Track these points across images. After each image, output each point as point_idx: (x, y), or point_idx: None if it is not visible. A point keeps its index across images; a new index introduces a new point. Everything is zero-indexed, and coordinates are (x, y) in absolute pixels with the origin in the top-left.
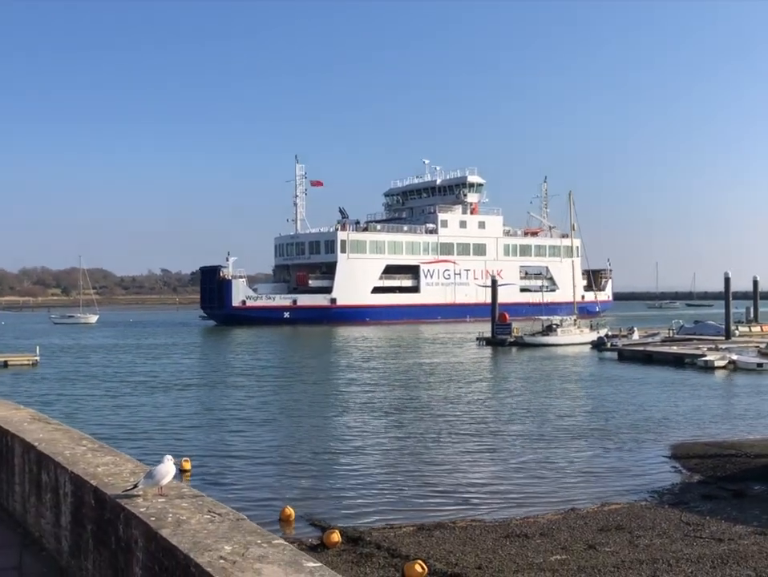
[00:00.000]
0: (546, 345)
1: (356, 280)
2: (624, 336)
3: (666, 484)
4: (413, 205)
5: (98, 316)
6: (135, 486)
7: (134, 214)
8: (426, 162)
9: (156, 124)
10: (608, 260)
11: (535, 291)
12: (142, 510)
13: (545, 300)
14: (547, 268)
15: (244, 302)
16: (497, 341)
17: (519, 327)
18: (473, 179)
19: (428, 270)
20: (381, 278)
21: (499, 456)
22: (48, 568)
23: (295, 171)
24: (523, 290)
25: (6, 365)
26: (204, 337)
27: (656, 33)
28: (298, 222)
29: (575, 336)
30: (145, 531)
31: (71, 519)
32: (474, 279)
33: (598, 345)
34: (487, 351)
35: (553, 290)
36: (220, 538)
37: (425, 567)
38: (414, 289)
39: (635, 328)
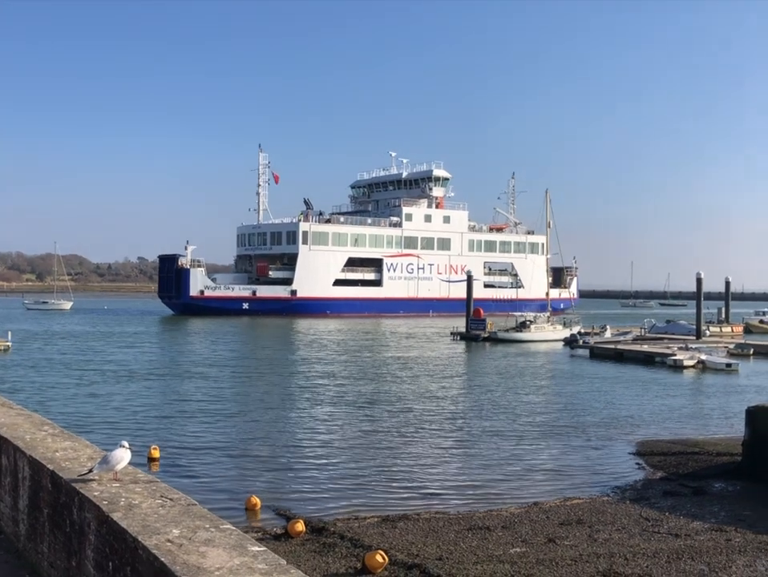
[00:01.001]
0: (519, 341)
1: (317, 272)
2: (596, 333)
3: (629, 480)
4: (378, 198)
5: (72, 303)
6: (91, 470)
7: (111, 201)
8: (393, 154)
9: (133, 112)
10: (574, 257)
11: (499, 287)
12: (96, 494)
13: (511, 297)
14: (512, 264)
15: (202, 292)
16: (471, 336)
17: (493, 322)
18: (439, 173)
19: (391, 264)
20: (343, 271)
21: (467, 451)
22: (5, 551)
23: (258, 160)
24: (486, 286)
25: None
26: (162, 326)
27: (631, 21)
28: (261, 212)
29: (548, 333)
30: (97, 515)
31: (29, 503)
32: (438, 274)
33: (570, 342)
34: (461, 346)
35: (518, 287)
36: (169, 523)
37: (385, 557)
38: (377, 283)
39: (607, 327)
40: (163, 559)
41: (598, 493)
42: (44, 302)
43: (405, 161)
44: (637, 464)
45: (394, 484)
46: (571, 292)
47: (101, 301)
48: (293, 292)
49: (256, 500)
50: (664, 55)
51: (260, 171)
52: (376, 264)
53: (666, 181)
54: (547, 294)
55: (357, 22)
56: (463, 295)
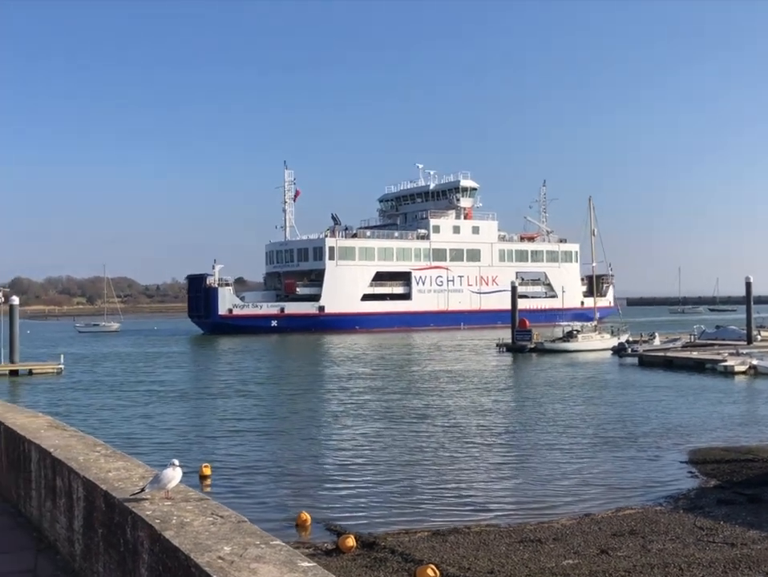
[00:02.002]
0: (566, 352)
1: (345, 288)
2: (644, 341)
3: (682, 489)
4: (406, 211)
5: (121, 325)
6: (143, 489)
7: (158, 224)
8: (420, 166)
9: (168, 137)
10: (610, 264)
11: (532, 297)
12: (148, 513)
13: (545, 307)
14: (544, 273)
15: (230, 310)
16: (517, 348)
17: (540, 333)
18: (466, 183)
19: (420, 277)
20: (371, 285)
21: (517, 463)
22: (62, 571)
23: (284, 176)
24: (520, 296)
25: (30, 372)
26: (192, 346)
27: (659, 29)
28: (287, 229)
29: (595, 342)
30: (150, 533)
31: (83, 523)
32: (469, 285)
33: (618, 351)
34: (508, 358)
35: (552, 296)
36: (220, 540)
37: (437, 571)
38: (406, 296)
39: (656, 334)
40: (214, 576)
41: (650, 503)
42: (95, 325)
43: (432, 173)
44: (690, 472)
45: (444, 498)
46: (608, 300)
47: (150, 322)
48: (321, 309)
49: (306, 516)
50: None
51: (285, 187)
52: (404, 277)
53: (713, 185)
54: (582, 303)
55: (381, 36)
56: (495, 306)
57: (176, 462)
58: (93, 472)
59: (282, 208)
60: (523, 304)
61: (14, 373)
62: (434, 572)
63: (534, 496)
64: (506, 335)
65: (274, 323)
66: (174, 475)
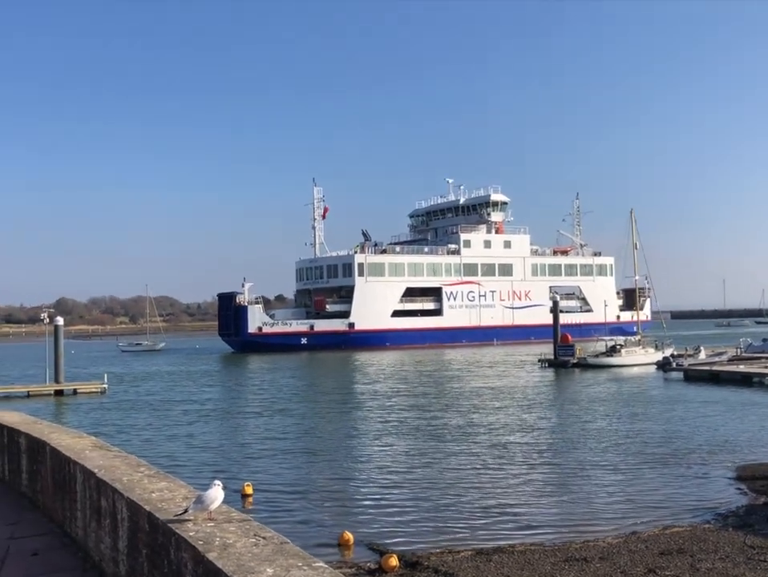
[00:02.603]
0: (610, 366)
1: (375, 304)
2: (690, 355)
3: (731, 506)
4: (437, 226)
5: (164, 344)
6: (186, 510)
7: (197, 242)
8: (450, 181)
9: (199, 158)
10: (647, 278)
11: (566, 311)
12: (191, 534)
13: (580, 321)
14: (579, 287)
15: (260, 328)
16: (559, 363)
17: (582, 348)
18: (497, 197)
19: (451, 292)
20: (401, 301)
21: (561, 480)
22: None
23: (313, 193)
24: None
25: (75, 392)
26: (223, 364)
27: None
28: (317, 245)
29: (639, 357)
30: (193, 555)
31: (128, 544)
32: (501, 300)
33: (663, 366)
34: (550, 373)
35: (587, 310)
36: (263, 561)
37: None
38: (437, 312)
39: (701, 348)
40: None
41: (698, 520)
42: (137, 344)
43: (462, 187)
44: (739, 489)
45: (488, 516)
46: (645, 313)
47: (192, 341)
48: (351, 325)
49: (348, 535)
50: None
51: (314, 204)
52: (435, 293)
53: (758, 195)
54: (618, 317)
55: (409, 49)
56: (529, 321)
57: (219, 482)
58: (137, 493)
59: (311, 225)
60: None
61: (58, 392)
62: None
63: (579, 514)
64: (540, 350)
65: (304, 340)
66: (216, 496)
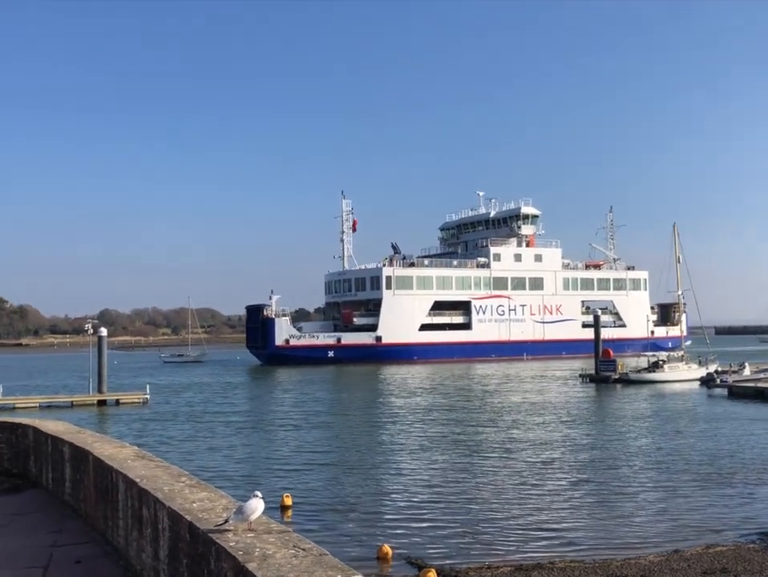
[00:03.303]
0: (653, 382)
1: (402, 317)
2: (734, 372)
3: None
4: (467, 239)
5: (206, 355)
6: (226, 521)
7: (237, 255)
8: (481, 194)
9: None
10: (682, 293)
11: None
12: (231, 544)
13: (612, 337)
14: (612, 302)
15: (287, 341)
16: (601, 378)
17: (624, 363)
18: (527, 210)
19: (480, 306)
20: (429, 315)
21: (602, 497)
22: None
23: (341, 206)
24: (585, 326)
25: (117, 403)
26: (252, 376)
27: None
28: (345, 258)
29: (682, 373)
30: (233, 565)
31: (169, 553)
32: (532, 315)
33: (707, 382)
34: (591, 388)
35: (620, 326)
36: (302, 573)
37: None
38: (466, 326)
39: (746, 364)
40: None
41: (743, 540)
42: (179, 355)
43: (493, 200)
44: None
45: (527, 533)
46: (680, 329)
47: (232, 352)
48: (378, 339)
49: (387, 549)
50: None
51: (343, 217)
52: (464, 306)
53: None
54: (652, 332)
55: (437, 62)
56: (560, 336)
57: (259, 493)
58: (178, 502)
59: (340, 238)
60: (589, 333)
61: (101, 402)
62: None
63: (620, 532)
64: (571, 365)
65: (331, 353)
66: (257, 506)
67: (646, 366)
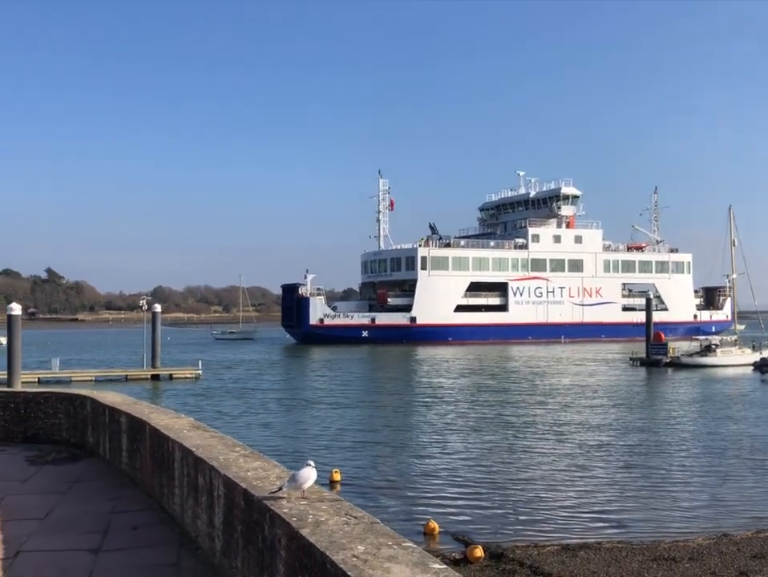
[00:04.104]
0: (704, 366)
1: (437, 298)
2: None
3: None
4: (506, 220)
5: (256, 332)
6: (280, 488)
7: (285, 233)
8: (521, 174)
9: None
10: (727, 275)
11: (639, 310)
12: (285, 511)
13: (654, 320)
14: (654, 285)
15: (321, 320)
16: (651, 362)
17: (676, 347)
18: (567, 190)
19: (517, 288)
20: (465, 296)
21: (651, 481)
22: (203, 566)
23: (378, 186)
24: (625, 309)
25: (171, 377)
26: (287, 355)
27: None
28: (381, 238)
29: (735, 358)
30: (287, 531)
31: (223, 520)
32: (570, 297)
33: (760, 367)
34: (641, 372)
35: (662, 309)
36: (354, 539)
37: None
38: (502, 308)
39: None
40: (350, 574)
41: None
42: (231, 332)
43: (533, 180)
44: None
45: (574, 513)
46: (725, 313)
47: (283, 330)
48: (413, 319)
49: (434, 525)
50: None
51: (380, 197)
52: (501, 288)
53: None
54: (695, 316)
55: (480, 45)
56: (599, 319)
57: (312, 462)
58: (233, 471)
59: (376, 218)
60: (629, 316)
61: (155, 377)
62: None
63: (668, 515)
64: (611, 348)
65: (365, 333)
66: (310, 475)
67: (698, 350)
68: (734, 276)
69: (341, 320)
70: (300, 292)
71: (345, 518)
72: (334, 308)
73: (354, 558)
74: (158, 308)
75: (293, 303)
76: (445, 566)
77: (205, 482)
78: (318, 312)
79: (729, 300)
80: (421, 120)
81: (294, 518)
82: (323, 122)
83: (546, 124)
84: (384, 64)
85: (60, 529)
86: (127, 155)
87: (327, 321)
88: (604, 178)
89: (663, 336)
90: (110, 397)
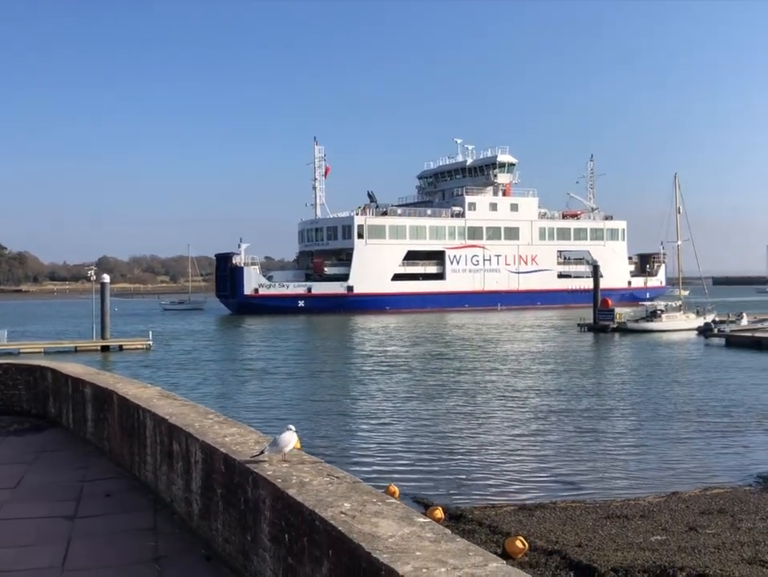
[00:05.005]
0: (650, 331)
1: (374, 267)
2: (731, 321)
3: None
4: (444, 188)
5: (206, 302)
6: (262, 452)
7: (234, 204)
8: (459, 141)
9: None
10: (662, 243)
11: (575, 277)
12: (269, 473)
13: (588, 287)
14: (588, 252)
15: (256, 290)
16: (599, 327)
17: (622, 312)
18: (504, 158)
19: (454, 256)
20: (402, 265)
21: (601, 441)
22: (180, 529)
23: (314, 152)
24: (561, 276)
25: (121, 348)
26: (223, 325)
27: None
28: (318, 206)
29: (680, 322)
30: (272, 491)
31: (202, 484)
32: (507, 265)
33: (704, 331)
34: (589, 337)
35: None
36: (339, 497)
37: (525, 543)
38: (439, 276)
39: (743, 314)
40: (340, 528)
41: (740, 483)
42: (180, 302)
43: (470, 148)
44: None
45: (530, 475)
46: (659, 279)
47: None
48: (350, 289)
49: (394, 489)
50: None
51: (315, 164)
52: (438, 256)
53: None
54: (629, 283)
55: (409, 18)
56: (535, 287)
57: (292, 426)
58: (210, 437)
59: (312, 185)
60: (564, 283)
61: (105, 348)
62: (523, 544)
63: (619, 475)
64: (546, 315)
65: (301, 303)
66: (291, 439)
67: (644, 315)
68: (679, 242)
69: (276, 290)
70: (234, 262)
71: (328, 479)
72: (270, 278)
73: (343, 515)
74: (107, 278)
75: (226, 272)
76: (429, 520)
77: (181, 448)
78: (253, 281)
79: (663, 266)
80: (364, 87)
81: (279, 480)
82: (261, 89)
83: (482, 90)
84: (323, 28)
85: (33, 497)
86: (67, 122)
87: (262, 291)
88: (543, 146)
89: (610, 302)
90: (70, 367)
